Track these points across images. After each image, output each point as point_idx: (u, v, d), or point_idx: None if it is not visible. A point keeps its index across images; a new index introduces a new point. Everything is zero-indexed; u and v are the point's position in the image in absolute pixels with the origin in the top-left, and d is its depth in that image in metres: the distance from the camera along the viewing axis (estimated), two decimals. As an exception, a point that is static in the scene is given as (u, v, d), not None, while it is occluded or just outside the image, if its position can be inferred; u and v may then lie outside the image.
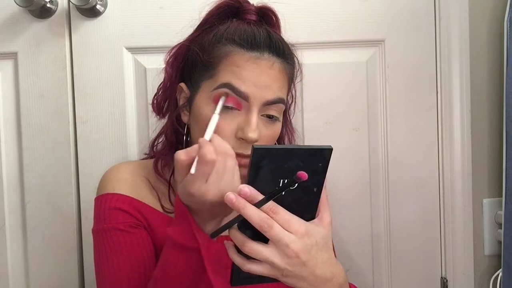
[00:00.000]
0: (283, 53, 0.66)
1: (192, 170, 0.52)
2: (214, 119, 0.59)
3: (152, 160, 0.74)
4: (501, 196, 0.89)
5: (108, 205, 0.67)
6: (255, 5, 0.70)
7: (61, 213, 0.88)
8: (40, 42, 0.87)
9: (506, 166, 0.87)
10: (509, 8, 0.87)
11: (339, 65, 0.91)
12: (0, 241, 0.89)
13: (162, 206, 0.70)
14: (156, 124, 0.81)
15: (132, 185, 0.70)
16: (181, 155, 0.53)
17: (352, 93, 0.92)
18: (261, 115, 0.64)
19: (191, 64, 0.68)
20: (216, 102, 0.62)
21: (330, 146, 0.50)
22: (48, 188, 0.88)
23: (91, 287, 0.89)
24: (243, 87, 0.61)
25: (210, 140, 0.55)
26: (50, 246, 0.89)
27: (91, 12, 0.87)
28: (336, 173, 0.90)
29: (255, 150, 0.48)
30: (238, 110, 0.62)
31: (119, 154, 0.89)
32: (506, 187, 0.87)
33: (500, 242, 0.92)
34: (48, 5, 0.86)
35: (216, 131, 0.60)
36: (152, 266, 0.65)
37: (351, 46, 0.91)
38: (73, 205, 0.88)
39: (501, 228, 0.91)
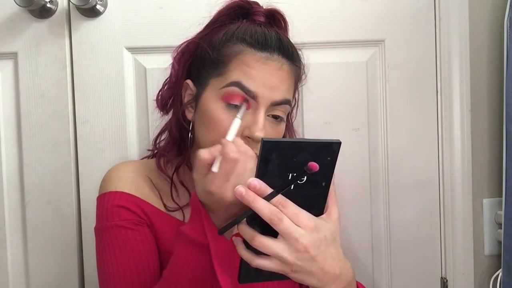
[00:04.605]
0: (292, 55, 0.67)
1: (215, 169, 0.52)
2: (236, 122, 0.60)
3: (154, 160, 0.75)
4: (501, 196, 0.89)
5: (111, 203, 0.67)
6: (264, 7, 0.71)
7: (61, 213, 0.88)
8: (40, 42, 0.87)
9: (506, 166, 0.87)
10: (509, 8, 0.87)
11: (339, 65, 0.91)
12: (0, 241, 0.89)
13: (165, 205, 0.70)
14: (159, 120, 0.80)
15: (135, 183, 0.70)
16: (205, 153, 0.54)
17: (352, 93, 0.92)
18: (267, 115, 0.65)
19: (200, 61, 0.68)
20: (225, 100, 0.62)
21: (339, 140, 0.49)
22: (48, 188, 0.88)
23: (91, 287, 0.89)
24: (252, 86, 0.62)
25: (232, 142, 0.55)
26: (50, 246, 0.89)
27: (91, 12, 0.87)
28: (336, 173, 0.89)
29: (264, 143, 0.48)
30: (246, 109, 0.63)
31: (119, 154, 0.89)
32: (506, 187, 0.87)
33: (500, 242, 0.92)
34: (48, 5, 0.86)
35: (226, 131, 0.60)
36: (155, 262, 0.65)
37: (351, 46, 0.91)
38: (73, 205, 0.88)
39: (501, 228, 0.91)
